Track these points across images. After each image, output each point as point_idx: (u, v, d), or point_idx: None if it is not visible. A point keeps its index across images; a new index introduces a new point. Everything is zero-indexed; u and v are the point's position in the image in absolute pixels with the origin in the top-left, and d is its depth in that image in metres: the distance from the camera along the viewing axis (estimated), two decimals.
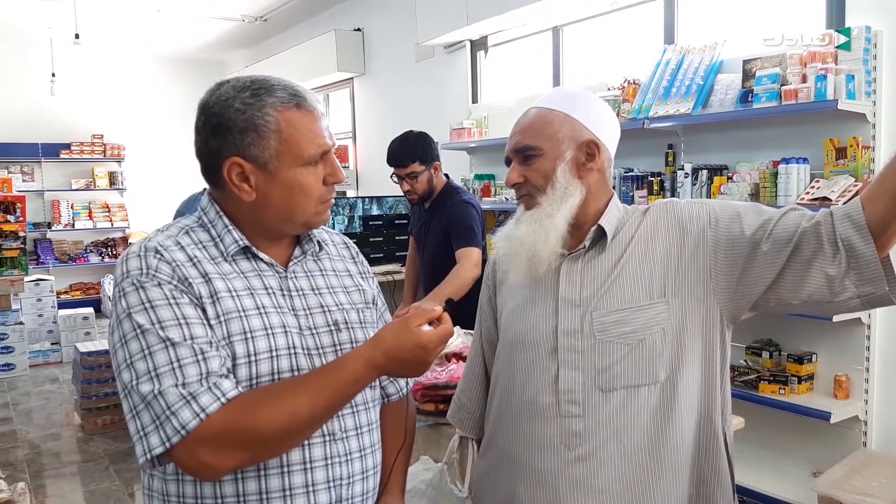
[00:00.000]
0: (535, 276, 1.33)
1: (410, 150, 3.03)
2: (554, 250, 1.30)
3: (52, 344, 6.67)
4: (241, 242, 1.16)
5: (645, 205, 1.37)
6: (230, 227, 1.17)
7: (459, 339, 2.54)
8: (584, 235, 1.32)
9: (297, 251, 1.24)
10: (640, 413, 1.24)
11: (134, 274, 1.08)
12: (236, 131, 1.11)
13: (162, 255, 1.10)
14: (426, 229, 3.23)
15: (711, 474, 1.28)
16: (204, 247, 1.15)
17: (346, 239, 1.41)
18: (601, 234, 1.31)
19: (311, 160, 1.14)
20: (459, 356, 2.28)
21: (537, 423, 1.29)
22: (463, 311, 3.36)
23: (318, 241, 1.29)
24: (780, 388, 3.00)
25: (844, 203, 2.69)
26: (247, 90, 1.13)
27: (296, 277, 1.22)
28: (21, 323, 6.25)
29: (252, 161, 1.12)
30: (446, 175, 3.23)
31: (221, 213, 1.18)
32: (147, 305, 1.05)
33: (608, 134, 1.36)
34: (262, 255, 1.18)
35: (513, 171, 1.36)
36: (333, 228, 4.99)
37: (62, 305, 7.21)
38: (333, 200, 1.22)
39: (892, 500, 2.48)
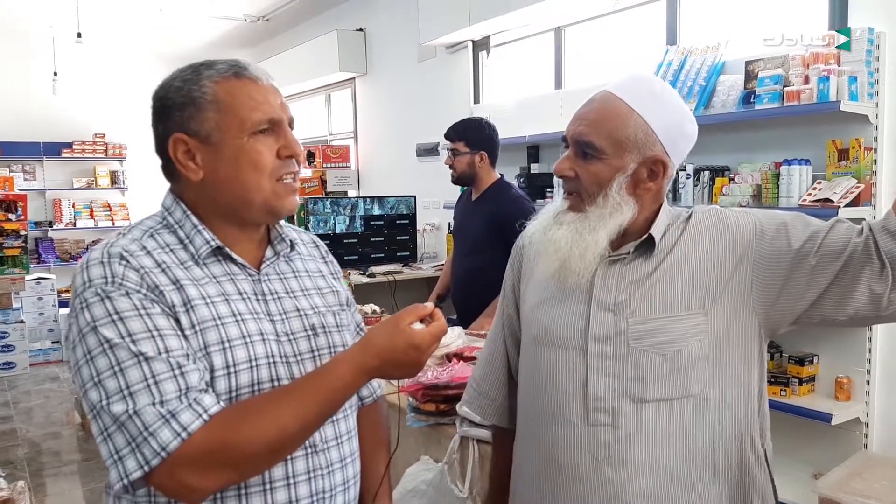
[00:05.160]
0: (562, 284, 1.27)
1: (461, 129, 3.23)
2: (588, 266, 1.22)
3: (52, 343, 6.68)
4: (213, 243, 1.09)
5: (686, 210, 1.29)
6: (200, 228, 1.10)
7: (461, 340, 2.53)
8: (627, 241, 1.25)
9: (269, 252, 1.18)
10: (674, 429, 1.18)
11: (98, 283, 0.99)
12: (175, 108, 1.08)
13: (128, 261, 1.02)
14: (467, 220, 3.30)
15: (756, 495, 1.23)
16: (172, 250, 1.08)
17: (315, 238, 1.35)
18: (648, 242, 1.24)
19: (255, 128, 1.07)
20: (461, 356, 2.28)
21: (563, 428, 1.24)
22: (469, 311, 3.37)
23: (290, 241, 1.22)
24: (781, 390, 2.99)
25: (847, 205, 2.71)
26: (188, 69, 1.10)
27: (269, 280, 1.15)
28: (22, 321, 6.27)
29: (194, 136, 1.07)
30: (501, 175, 3.32)
31: (189, 213, 1.11)
32: (115, 317, 0.97)
33: (681, 148, 1.25)
34: (234, 256, 1.12)
35: (566, 159, 1.24)
36: (335, 228, 5.00)
37: (63, 304, 7.21)
38: (297, 184, 1.15)
39: (893, 502, 2.47)
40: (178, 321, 1.01)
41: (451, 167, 3.25)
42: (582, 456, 1.21)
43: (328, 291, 1.24)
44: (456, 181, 3.30)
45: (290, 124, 1.14)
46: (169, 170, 1.13)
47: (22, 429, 4.80)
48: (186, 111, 1.07)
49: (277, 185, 1.10)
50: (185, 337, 1.01)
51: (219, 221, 1.12)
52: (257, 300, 1.12)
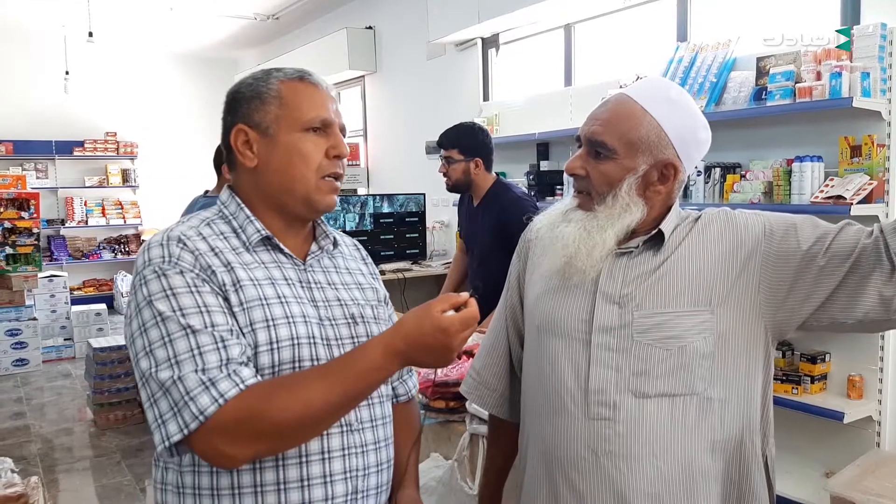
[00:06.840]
0: (566, 281, 1.27)
1: (454, 137, 3.16)
2: (594, 265, 1.23)
3: (65, 340, 6.72)
4: (263, 232, 1.19)
5: (697, 211, 1.29)
6: (252, 219, 1.20)
7: (471, 339, 2.53)
8: (635, 236, 1.24)
9: (314, 246, 1.27)
10: (676, 426, 1.17)
11: (156, 262, 1.09)
12: (244, 101, 1.20)
13: (185, 243, 1.12)
14: (475, 227, 3.25)
15: (750, 500, 1.22)
16: (225, 238, 1.18)
17: (356, 242, 1.44)
18: (657, 238, 1.23)
19: (309, 125, 1.18)
20: (470, 354, 2.28)
21: (563, 420, 1.23)
22: (480, 308, 3.34)
23: (334, 238, 1.31)
24: (792, 388, 2.98)
25: (860, 201, 2.69)
26: (261, 72, 1.24)
27: (313, 271, 1.24)
28: (34, 319, 6.30)
29: (255, 127, 1.19)
30: (501, 174, 3.23)
31: (242, 205, 1.21)
32: (169, 293, 1.06)
33: (694, 154, 1.26)
34: (282, 246, 1.21)
35: (577, 157, 1.25)
36: (344, 226, 5.01)
37: (75, 301, 7.26)
38: (339, 185, 1.23)
39: None
40: (227, 300, 1.10)
41: (445, 175, 3.18)
42: (582, 449, 1.21)
43: (368, 288, 1.32)
44: (451, 189, 3.23)
45: (343, 131, 1.24)
46: (231, 159, 1.24)
47: (35, 425, 4.84)
48: (252, 104, 1.19)
49: (321, 181, 1.20)
50: (234, 314, 1.09)
51: (267, 214, 1.22)
52: (302, 287, 1.20)
